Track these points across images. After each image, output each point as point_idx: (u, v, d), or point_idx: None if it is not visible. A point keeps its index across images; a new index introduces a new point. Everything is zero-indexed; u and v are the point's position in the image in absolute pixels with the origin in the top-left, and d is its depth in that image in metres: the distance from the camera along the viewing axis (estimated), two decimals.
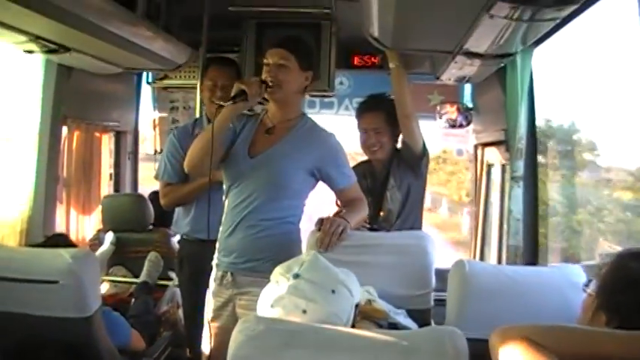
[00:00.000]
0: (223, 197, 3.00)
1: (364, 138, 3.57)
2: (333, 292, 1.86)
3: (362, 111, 3.64)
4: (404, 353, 1.50)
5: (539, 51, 3.36)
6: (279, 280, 1.90)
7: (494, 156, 4.42)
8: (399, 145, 3.58)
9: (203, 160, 2.83)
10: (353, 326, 1.93)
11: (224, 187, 3.00)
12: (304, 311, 1.79)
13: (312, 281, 1.86)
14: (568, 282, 2.48)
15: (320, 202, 3.39)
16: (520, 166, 3.44)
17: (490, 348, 1.42)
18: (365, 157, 3.71)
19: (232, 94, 2.79)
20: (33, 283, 2.61)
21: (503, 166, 4.15)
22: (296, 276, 1.87)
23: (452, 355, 1.50)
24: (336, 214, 2.94)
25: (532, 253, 3.55)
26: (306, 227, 3.00)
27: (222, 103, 2.83)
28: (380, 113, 3.52)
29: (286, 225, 2.91)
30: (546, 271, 2.64)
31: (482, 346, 1.53)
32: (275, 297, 1.86)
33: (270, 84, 2.82)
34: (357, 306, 1.96)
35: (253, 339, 1.55)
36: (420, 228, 3.58)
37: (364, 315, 2.38)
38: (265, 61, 2.87)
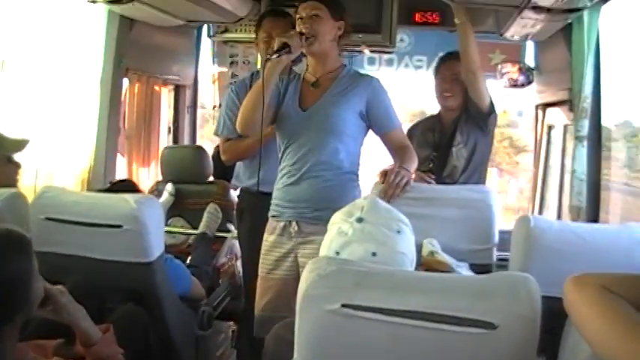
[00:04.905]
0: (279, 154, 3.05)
1: (440, 83, 3.61)
2: (399, 232, 1.84)
3: (445, 59, 3.69)
4: (476, 296, 1.49)
5: (607, 8, 3.27)
6: (342, 226, 1.86)
7: (555, 117, 4.35)
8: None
9: (254, 117, 2.89)
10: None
11: (279, 145, 3.04)
12: (374, 254, 1.77)
13: (377, 223, 1.83)
14: (636, 240, 2.44)
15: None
16: (584, 125, 3.39)
17: (564, 294, 1.38)
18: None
19: (275, 48, 2.84)
20: (97, 227, 2.66)
21: (566, 127, 4.08)
22: (359, 220, 1.83)
23: (525, 299, 1.48)
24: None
25: (594, 213, 3.48)
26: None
27: (267, 56, 2.88)
28: (460, 64, 3.50)
29: (347, 174, 2.97)
30: (613, 229, 2.59)
31: (547, 303, 1.51)
32: (341, 243, 1.83)
33: (306, 35, 2.87)
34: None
35: (325, 278, 1.54)
36: None
37: (427, 266, 2.38)
38: (298, 15, 2.94)
